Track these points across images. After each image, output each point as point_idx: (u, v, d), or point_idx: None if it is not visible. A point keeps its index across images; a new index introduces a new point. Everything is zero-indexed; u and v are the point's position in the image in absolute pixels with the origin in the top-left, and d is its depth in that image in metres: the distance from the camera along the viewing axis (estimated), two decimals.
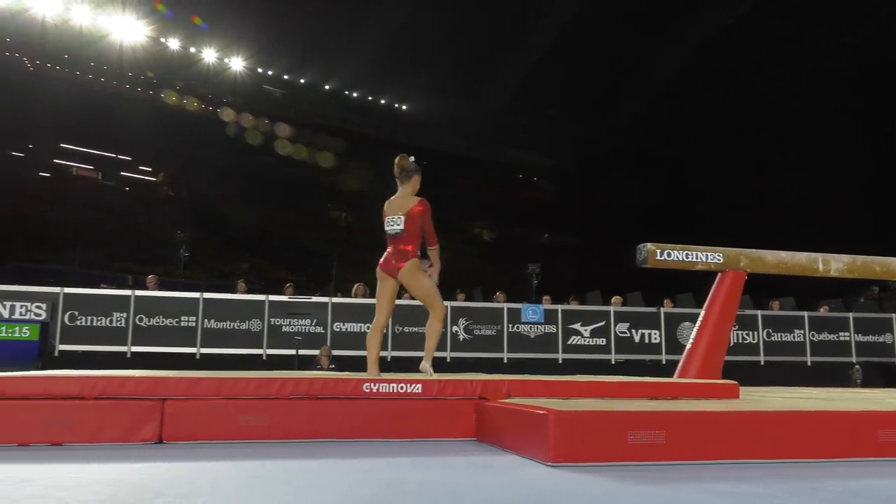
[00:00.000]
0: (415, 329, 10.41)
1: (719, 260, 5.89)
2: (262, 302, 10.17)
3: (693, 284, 11.04)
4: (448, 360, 10.35)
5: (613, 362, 11.13)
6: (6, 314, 8.21)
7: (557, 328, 11.09)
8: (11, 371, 4.76)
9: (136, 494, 2.55)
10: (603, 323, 11.30)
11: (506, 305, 11.14)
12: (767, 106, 21.24)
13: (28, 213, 23.86)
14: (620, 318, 11.40)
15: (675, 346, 11.04)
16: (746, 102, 22.04)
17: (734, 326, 8.01)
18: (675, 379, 5.62)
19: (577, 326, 11.21)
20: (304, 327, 10.18)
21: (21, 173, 26.36)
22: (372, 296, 11.59)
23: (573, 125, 29.12)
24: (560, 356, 11.00)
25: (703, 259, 5.86)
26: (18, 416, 3.84)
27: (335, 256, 21.37)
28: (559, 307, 11.38)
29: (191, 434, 4.03)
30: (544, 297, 12.06)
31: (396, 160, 4.74)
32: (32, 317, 8.31)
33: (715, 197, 22.05)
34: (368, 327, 10.21)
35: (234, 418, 4.09)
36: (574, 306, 11.90)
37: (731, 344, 8.20)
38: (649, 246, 5.72)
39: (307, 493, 2.65)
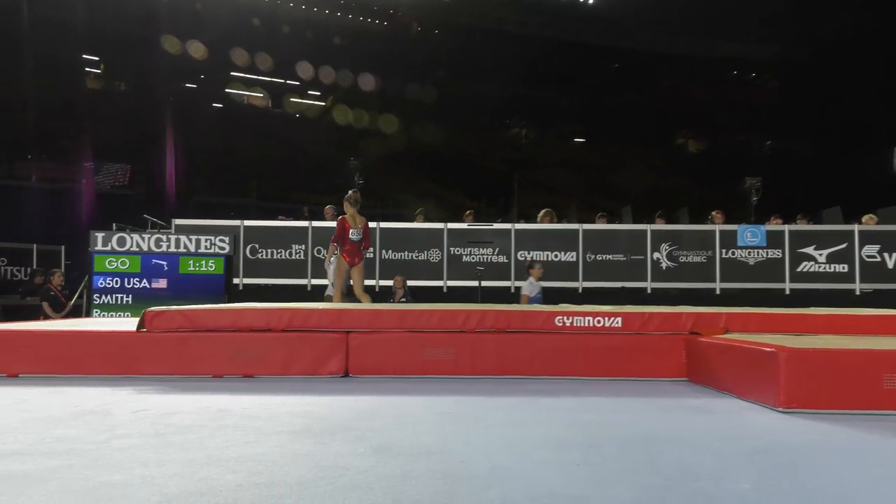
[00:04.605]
0: (609, 256, 10.29)
1: None
2: (441, 230, 10.52)
3: None
4: (648, 290, 10.12)
5: (858, 293, 10.28)
6: (192, 248, 9.26)
7: (784, 253, 10.40)
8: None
9: (327, 427, 2.80)
10: (844, 246, 10.42)
11: (718, 227, 10.60)
12: None
13: (205, 146, 26.29)
14: (867, 238, 10.43)
15: None
16: None
17: None
18: None
19: (809, 250, 10.45)
20: (486, 256, 10.42)
21: (197, 106, 28.95)
22: (559, 222, 11.60)
23: (805, 3, 26.23)
24: (787, 286, 10.34)
25: None
26: (214, 349, 4.37)
27: (517, 179, 21.40)
28: (786, 227, 10.62)
29: (376, 368, 4.35)
30: (773, 218, 11.28)
31: (356, 196, 7.75)
32: (217, 250, 9.30)
33: None
34: (556, 255, 10.41)
35: (420, 352, 4.33)
36: (804, 226, 11.05)
37: None
38: None
39: (501, 431, 2.75)
